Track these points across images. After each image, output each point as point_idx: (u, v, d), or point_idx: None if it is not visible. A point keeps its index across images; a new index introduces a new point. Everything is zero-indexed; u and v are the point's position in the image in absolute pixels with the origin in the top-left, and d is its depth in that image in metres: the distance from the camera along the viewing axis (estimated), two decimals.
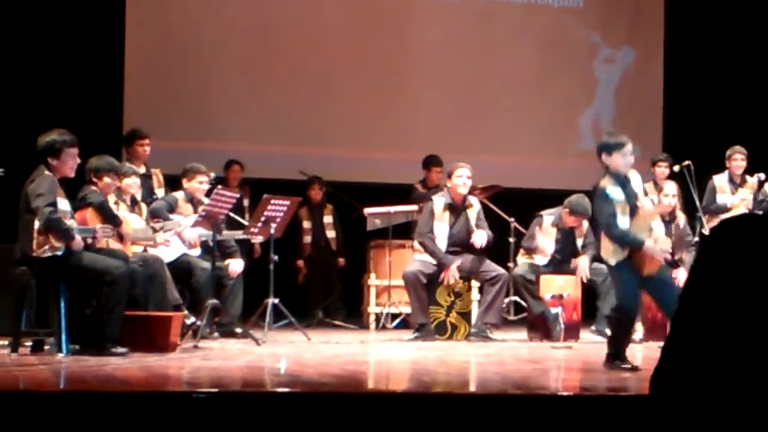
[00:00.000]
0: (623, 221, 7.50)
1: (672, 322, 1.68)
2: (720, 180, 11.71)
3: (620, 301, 7.68)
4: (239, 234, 9.86)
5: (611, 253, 7.59)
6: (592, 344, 9.82)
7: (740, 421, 1.61)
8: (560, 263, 10.49)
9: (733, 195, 11.66)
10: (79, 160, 8.06)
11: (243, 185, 11.89)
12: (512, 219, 11.45)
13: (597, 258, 10.20)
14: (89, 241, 8.00)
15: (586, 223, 10.54)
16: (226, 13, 12.86)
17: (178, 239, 9.52)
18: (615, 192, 7.52)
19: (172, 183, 10.41)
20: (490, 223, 10.69)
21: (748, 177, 11.67)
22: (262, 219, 9.64)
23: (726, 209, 11.56)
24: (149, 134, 10.50)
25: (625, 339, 7.74)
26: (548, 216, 10.64)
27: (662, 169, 11.66)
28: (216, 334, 9.60)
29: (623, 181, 7.56)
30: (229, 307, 9.66)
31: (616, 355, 7.59)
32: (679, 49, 13.92)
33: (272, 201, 9.64)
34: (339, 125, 13.04)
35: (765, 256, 1.61)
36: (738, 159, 11.65)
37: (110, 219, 8.35)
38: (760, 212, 11.30)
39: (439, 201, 10.36)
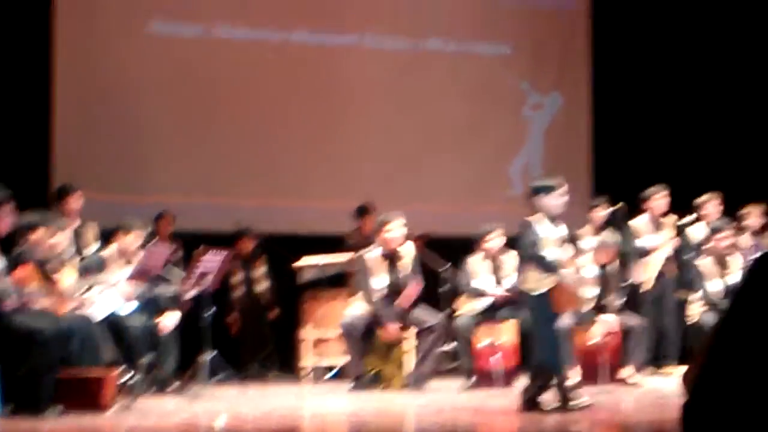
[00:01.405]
0: (545, 252, 7.78)
1: (708, 354, 1.66)
2: (639, 222, 11.81)
3: (540, 348, 7.83)
4: (174, 288, 9.79)
5: (534, 282, 7.78)
6: None
7: None
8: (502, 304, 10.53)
9: (655, 235, 11.78)
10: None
11: (174, 238, 11.80)
12: (445, 266, 11.48)
13: None
14: (23, 300, 7.90)
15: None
16: (158, 62, 12.80)
17: (111, 295, 9.42)
18: (542, 227, 7.80)
19: (104, 237, 10.30)
20: (423, 270, 10.71)
21: (668, 217, 11.80)
22: (196, 272, 9.60)
23: (648, 252, 11.67)
24: (81, 187, 10.40)
25: (541, 391, 7.87)
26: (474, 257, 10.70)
27: (599, 214, 11.77)
28: (152, 391, 9.51)
29: (554, 222, 7.84)
30: (164, 363, 9.57)
31: (531, 402, 7.74)
32: (606, 92, 14.11)
33: (205, 254, 9.60)
34: (272, 175, 13.01)
35: None
36: (659, 198, 11.79)
37: (47, 276, 8.26)
38: (689, 255, 11.46)
39: (373, 254, 10.35)
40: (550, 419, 7.53)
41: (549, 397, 7.88)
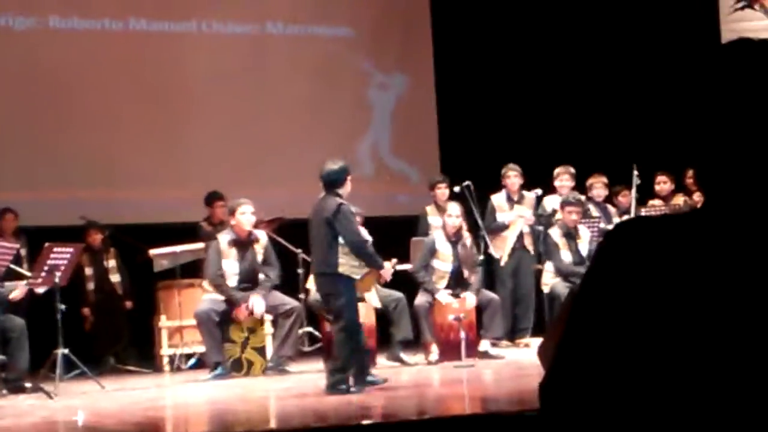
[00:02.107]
0: (366, 234, 8.46)
1: (565, 328, 1.67)
2: (498, 199, 11.98)
3: (349, 318, 8.24)
4: (22, 285, 9.53)
5: (352, 269, 8.28)
6: (390, 369, 9.92)
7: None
8: None
9: (510, 212, 11.95)
10: None
11: (18, 234, 11.49)
12: (299, 250, 11.44)
13: (386, 284, 10.36)
14: None
15: None
16: None
17: None
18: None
19: None
20: (277, 255, 10.66)
21: (525, 193, 12.00)
22: (46, 268, 9.37)
23: (505, 227, 11.85)
24: None
25: (359, 354, 8.28)
26: None
27: (442, 191, 11.86)
28: (4, 391, 9.23)
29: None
30: (15, 362, 9.30)
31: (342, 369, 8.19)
32: (450, 71, 14.23)
33: (54, 249, 9.39)
34: (118, 166, 12.76)
35: (660, 258, 1.62)
36: (512, 176, 11.94)
37: None
38: (540, 227, 11.67)
39: (224, 238, 10.28)
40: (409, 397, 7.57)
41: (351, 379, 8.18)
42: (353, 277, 8.35)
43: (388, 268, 9.16)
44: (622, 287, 1.61)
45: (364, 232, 8.89)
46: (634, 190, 12.12)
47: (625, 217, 11.58)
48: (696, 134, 1.67)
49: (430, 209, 11.93)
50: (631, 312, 1.59)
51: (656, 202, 12.45)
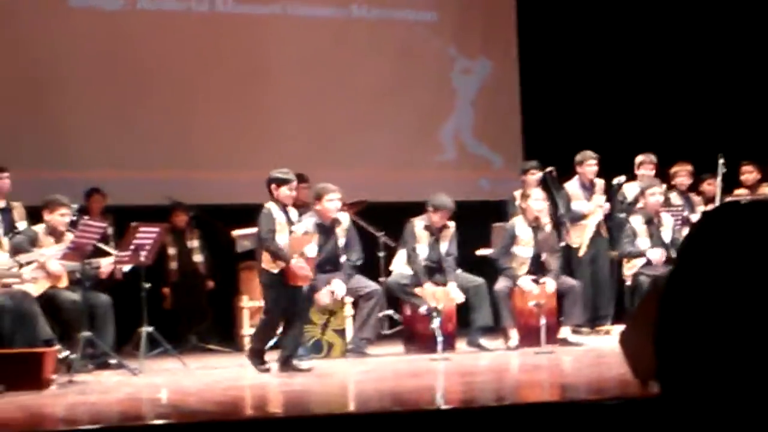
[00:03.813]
0: (281, 238, 9.08)
1: (659, 317, 1.68)
2: (571, 187, 11.90)
3: (271, 306, 9.15)
4: (110, 260, 9.68)
5: (272, 264, 9.06)
6: (470, 354, 9.94)
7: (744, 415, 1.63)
8: (432, 271, 10.55)
9: (587, 201, 11.87)
10: None
11: (106, 213, 11.68)
12: (381, 233, 11.48)
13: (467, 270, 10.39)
14: None
15: (452, 226, 10.67)
16: (78, 33, 12.60)
17: (45, 272, 9.31)
18: (277, 213, 9.15)
19: (33, 215, 10.17)
20: (360, 237, 10.71)
21: (596, 180, 11.91)
22: (131, 247, 9.52)
23: (582, 216, 11.78)
24: (6, 165, 10.23)
25: (268, 339, 9.28)
26: (419, 221, 10.72)
27: (534, 177, 11.82)
28: (90, 367, 9.40)
29: (284, 209, 9.23)
30: (101, 339, 9.47)
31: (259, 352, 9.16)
32: (534, 57, 14.16)
33: (140, 228, 9.53)
34: (202, 147, 12.90)
35: (754, 243, 1.62)
36: (591, 164, 11.87)
37: None
38: (622, 215, 11.59)
39: (308, 222, 10.32)
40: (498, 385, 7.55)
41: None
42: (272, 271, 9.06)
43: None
44: (716, 272, 1.60)
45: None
46: (719, 179, 11.98)
47: (710, 206, 11.47)
48: None
49: (518, 194, 11.88)
50: (728, 296, 1.59)
51: (742, 191, 12.30)
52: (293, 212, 9.43)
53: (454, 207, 10.58)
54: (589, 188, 11.89)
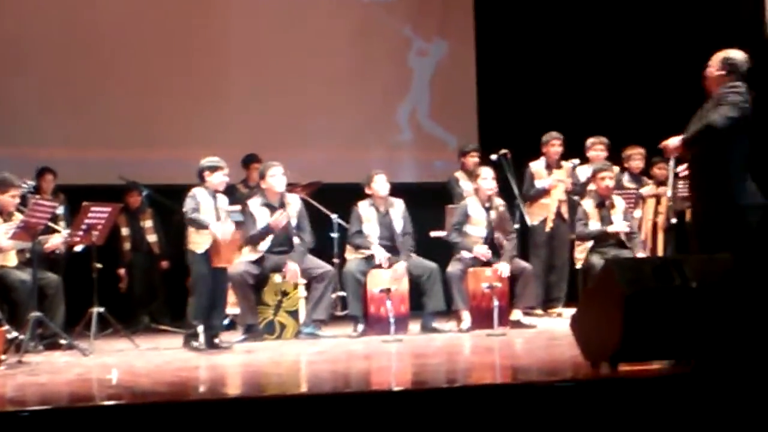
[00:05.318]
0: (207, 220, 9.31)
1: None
2: (537, 166, 11.98)
3: (196, 284, 9.30)
4: (59, 236, 9.59)
5: (198, 245, 9.25)
6: (422, 336, 9.94)
7: None
8: (386, 250, 10.53)
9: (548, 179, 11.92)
10: None
11: (57, 193, 11.58)
12: (335, 215, 11.46)
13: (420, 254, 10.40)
14: None
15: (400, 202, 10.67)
16: (33, 10, 12.51)
17: None
18: (203, 197, 9.37)
19: None
20: (312, 219, 10.67)
21: (563, 162, 11.97)
22: (83, 227, 9.45)
23: (544, 192, 11.84)
24: None
25: (197, 318, 9.36)
26: (363, 202, 10.67)
27: (474, 159, 11.90)
28: (40, 348, 9.33)
29: (213, 195, 9.47)
30: (51, 319, 9.39)
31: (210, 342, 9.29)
32: (490, 39, 14.16)
33: (92, 208, 9.47)
34: (157, 127, 12.84)
35: None
36: (555, 144, 11.93)
37: None
38: (576, 197, 11.63)
39: (255, 202, 10.29)
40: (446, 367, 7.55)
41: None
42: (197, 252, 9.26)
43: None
44: None
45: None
46: (672, 163, 12.01)
47: (662, 189, 11.54)
48: None
49: (460, 175, 11.96)
50: None
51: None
52: (222, 199, 9.59)
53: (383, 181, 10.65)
54: (553, 168, 11.94)
